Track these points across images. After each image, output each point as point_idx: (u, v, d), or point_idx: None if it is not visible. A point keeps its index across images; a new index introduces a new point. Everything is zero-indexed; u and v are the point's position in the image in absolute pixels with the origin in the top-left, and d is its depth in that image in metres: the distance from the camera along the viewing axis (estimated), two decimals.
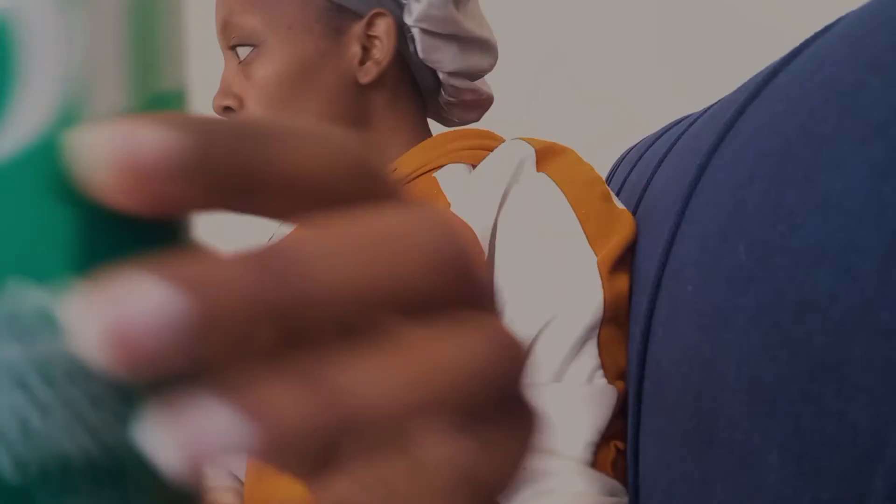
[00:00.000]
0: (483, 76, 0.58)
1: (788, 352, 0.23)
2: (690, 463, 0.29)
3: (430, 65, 0.53)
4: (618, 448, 0.39)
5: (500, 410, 0.11)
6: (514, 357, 0.11)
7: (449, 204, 0.48)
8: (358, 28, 0.51)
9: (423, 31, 0.51)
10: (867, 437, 0.19)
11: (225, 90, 0.53)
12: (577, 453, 0.38)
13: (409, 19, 0.51)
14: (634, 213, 0.48)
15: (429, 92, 0.57)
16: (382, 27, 0.50)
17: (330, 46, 0.51)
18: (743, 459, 0.25)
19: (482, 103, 0.61)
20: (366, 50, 0.51)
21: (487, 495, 0.11)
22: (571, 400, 0.39)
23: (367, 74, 0.51)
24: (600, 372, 0.40)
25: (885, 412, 0.18)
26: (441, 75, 0.54)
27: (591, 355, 0.40)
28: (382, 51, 0.51)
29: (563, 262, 0.41)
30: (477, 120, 0.63)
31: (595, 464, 0.38)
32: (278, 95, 0.51)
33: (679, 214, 0.36)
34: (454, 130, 0.56)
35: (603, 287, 0.40)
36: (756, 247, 0.26)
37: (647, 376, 0.36)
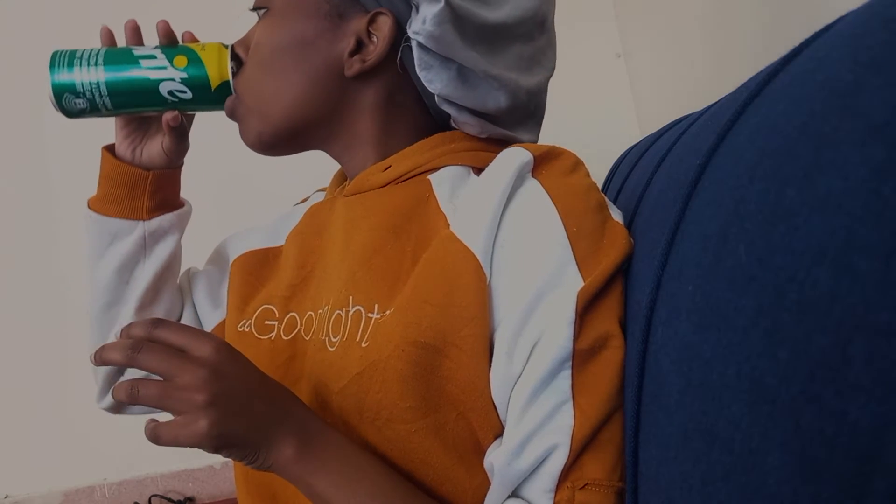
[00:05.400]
0: (493, 115, 0.51)
1: (788, 352, 0.22)
2: (690, 463, 0.29)
3: (423, 81, 0.49)
4: (576, 485, 0.39)
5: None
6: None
7: (439, 205, 0.48)
8: (361, 21, 0.50)
9: (420, 45, 0.47)
10: (867, 437, 0.19)
11: (245, 39, 0.56)
12: (535, 499, 0.40)
13: (409, 28, 0.48)
14: (634, 212, 0.48)
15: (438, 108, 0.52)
16: (383, 28, 0.49)
17: (329, 29, 0.50)
18: (743, 459, 0.25)
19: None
20: (362, 45, 0.50)
21: None
22: (526, 451, 0.39)
23: (350, 68, 0.50)
24: (568, 405, 0.39)
25: (885, 412, 0.18)
26: (436, 96, 0.49)
27: (559, 391, 0.39)
28: (372, 51, 0.49)
29: (545, 288, 0.41)
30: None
31: None
32: (268, 61, 0.52)
33: (679, 214, 0.36)
34: (455, 131, 0.53)
35: (575, 322, 0.39)
36: (756, 247, 0.26)
37: (646, 376, 0.36)
